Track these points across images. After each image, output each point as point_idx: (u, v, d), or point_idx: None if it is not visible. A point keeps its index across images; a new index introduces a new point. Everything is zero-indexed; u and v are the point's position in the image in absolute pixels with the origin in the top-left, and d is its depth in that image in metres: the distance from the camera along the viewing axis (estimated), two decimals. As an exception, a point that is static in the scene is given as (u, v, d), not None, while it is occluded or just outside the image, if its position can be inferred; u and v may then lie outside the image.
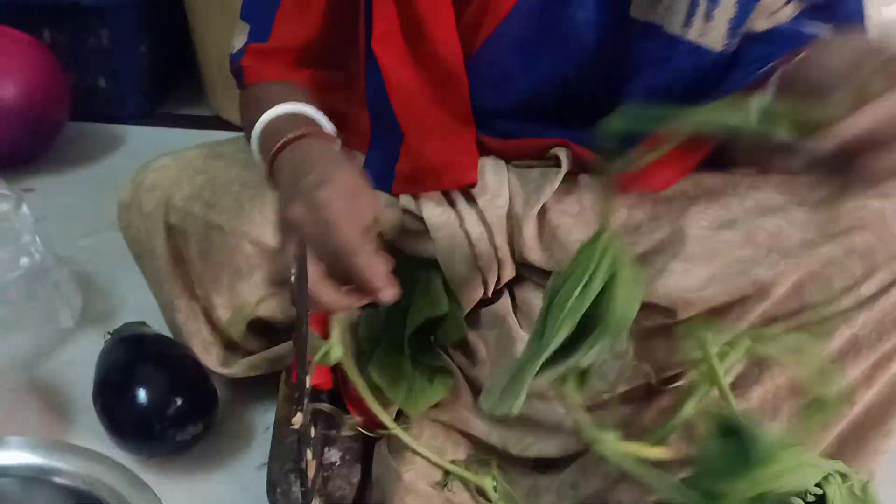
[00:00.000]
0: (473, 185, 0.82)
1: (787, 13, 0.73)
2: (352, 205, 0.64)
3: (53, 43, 1.61)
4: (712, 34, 0.72)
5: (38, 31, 1.57)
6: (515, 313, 0.85)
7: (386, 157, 0.84)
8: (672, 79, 0.75)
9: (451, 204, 0.82)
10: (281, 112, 0.76)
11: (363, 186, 0.67)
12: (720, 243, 0.73)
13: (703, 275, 0.73)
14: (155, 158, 0.92)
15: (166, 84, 1.83)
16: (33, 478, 0.61)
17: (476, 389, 0.85)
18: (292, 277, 0.55)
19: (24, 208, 1.02)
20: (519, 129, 0.85)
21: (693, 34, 0.72)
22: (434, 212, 0.81)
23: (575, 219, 0.80)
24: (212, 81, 1.71)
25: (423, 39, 0.79)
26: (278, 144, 0.72)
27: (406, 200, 0.83)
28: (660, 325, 0.77)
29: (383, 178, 0.85)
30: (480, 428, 0.82)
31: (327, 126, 0.76)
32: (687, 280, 0.73)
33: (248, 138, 0.78)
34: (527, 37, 0.78)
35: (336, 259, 0.62)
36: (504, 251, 0.82)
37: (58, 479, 0.60)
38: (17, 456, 0.62)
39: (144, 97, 1.73)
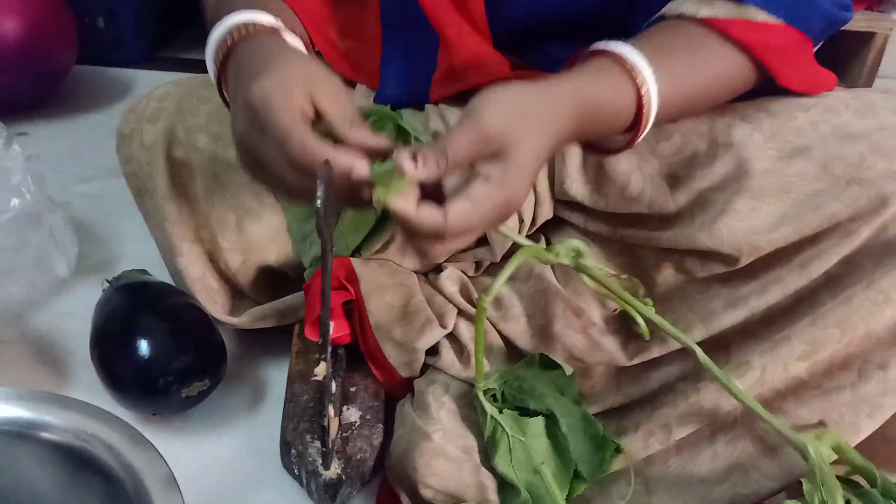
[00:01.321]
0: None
1: None
2: (287, 93, 0.54)
3: (49, -20, 1.52)
4: None
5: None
6: (553, 265, 0.78)
7: (417, 63, 0.78)
8: None
9: None
10: (233, 23, 0.64)
11: (305, 72, 0.57)
12: (792, 176, 0.65)
13: (774, 213, 0.65)
14: (157, 87, 0.85)
15: (168, 26, 1.75)
16: (18, 433, 0.53)
17: (509, 345, 0.78)
18: (318, 202, 0.48)
19: (16, 146, 0.95)
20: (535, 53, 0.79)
21: None
22: None
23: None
24: (216, 25, 1.63)
25: None
26: (220, 57, 0.63)
27: (435, 122, 0.76)
28: (716, 275, 0.70)
29: (414, 86, 0.79)
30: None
31: (287, 35, 0.66)
32: (755, 220, 0.65)
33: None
34: None
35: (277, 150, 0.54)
36: (543, 185, 0.75)
37: (46, 435, 0.53)
38: (0, 409, 0.54)
39: (145, 39, 1.65)
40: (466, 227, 0.54)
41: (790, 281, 0.66)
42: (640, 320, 0.69)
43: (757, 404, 0.62)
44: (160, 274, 0.89)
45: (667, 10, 0.67)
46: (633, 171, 0.71)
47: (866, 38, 1.60)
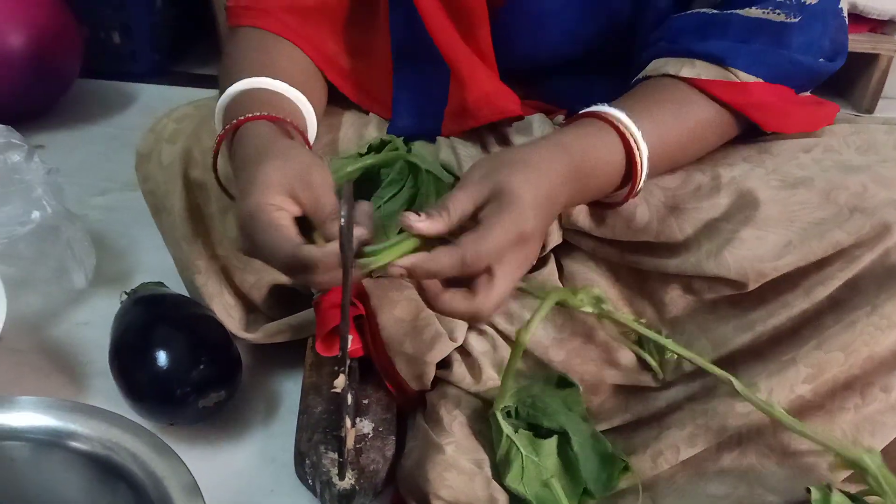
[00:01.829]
0: (520, 119, 0.79)
1: None
2: (269, 209, 0.58)
3: (67, -6, 1.55)
4: None
5: (52, -18, 1.51)
6: (562, 282, 0.80)
7: (428, 95, 0.80)
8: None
9: None
10: (242, 89, 0.70)
11: (283, 180, 0.59)
12: (796, 205, 0.67)
13: (780, 241, 0.67)
14: (176, 107, 0.87)
15: (182, 41, 1.77)
16: (47, 442, 0.55)
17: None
18: (341, 220, 0.49)
19: (37, 159, 0.97)
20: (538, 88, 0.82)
21: None
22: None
23: None
24: (229, 40, 1.66)
25: None
26: (230, 130, 0.67)
27: (446, 154, 0.78)
28: (724, 297, 0.71)
29: (426, 118, 0.81)
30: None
31: (294, 99, 0.71)
32: (761, 248, 0.67)
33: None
34: None
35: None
36: None
37: (74, 444, 0.55)
38: (29, 417, 0.56)
39: (159, 54, 1.67)
40: (480, 255, 0.56)
41: (796, 305, 0.68)
42: (653, 364, 0.73)
43: (792, 420, 0.65)
44: (176, 286, 0.91)
45: (651, 70, 0.71)
46: (639, 203, 0.73)
47: (871, 59, 1.62)
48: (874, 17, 1.56)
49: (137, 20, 1.61)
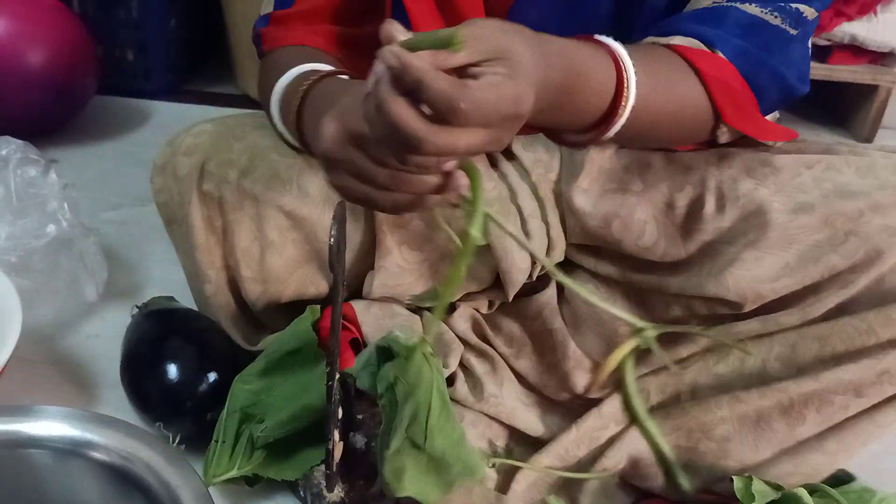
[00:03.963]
0: (509, 150, 0.80)
1: None
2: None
3: (82, 13, 1.59)
4: None
5: (68, 0, 1.54)
6: (562, 306, 0.82)
7: None
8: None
9: (503, 178, 0.79)
10: (299, 72, 0.72)
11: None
12: (795, 229, 0.69)
13: (778, 263, 0.69)
14: (195, 124, 0.89)
15: (195, 60, 1.80)
16: (67, 450, 0.57)
17: (522, 380, 0.81)
18: (331, 240, 0.51)
19: (53, 174, 0.99)
20: None
21: None
22: (486, 186, 0.78)
23: (638, 196, 0.76)
24: (241, 59, 1.69)
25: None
26: (300, 93, 0.69)
27: None
28: (719, 314, 0.74)
29: None
30: (526, 420, 0.78)
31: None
32: (759, 269, 0.69)
33: (268, 108, 0.75)
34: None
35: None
36: (557, 230, 0.79)
37: (92, 453, 0.57)
38: (50, 427, 0.58)
39: (172, 72, 1.70)
40: (478, 106, 0.49)
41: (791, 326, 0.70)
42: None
43: None
44: (186, 300, 0.92)
45: (642, 41, 0.70)
46: (648, 221, 0.75)
47: (870, 90, 1.65)
48: (874, 49, 1.59)
49: (153, 39, 1.63)
